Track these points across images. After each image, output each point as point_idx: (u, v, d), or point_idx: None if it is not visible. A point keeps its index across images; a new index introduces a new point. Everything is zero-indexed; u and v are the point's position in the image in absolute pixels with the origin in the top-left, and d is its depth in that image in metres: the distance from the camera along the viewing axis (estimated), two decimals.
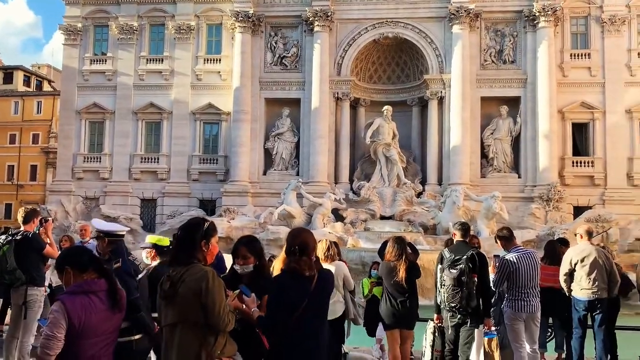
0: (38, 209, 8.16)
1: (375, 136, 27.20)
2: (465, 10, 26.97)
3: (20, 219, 7.30)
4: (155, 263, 6.18)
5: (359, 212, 25.73)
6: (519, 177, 27.38)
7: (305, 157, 28.26)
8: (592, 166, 27.55)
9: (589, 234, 8.23)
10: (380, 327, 8.66)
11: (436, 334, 6.95)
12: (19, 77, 50.86)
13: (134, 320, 5.03)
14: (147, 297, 5.52)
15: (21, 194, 44.53)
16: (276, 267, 4.91)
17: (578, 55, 28.21)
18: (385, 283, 7.25)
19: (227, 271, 4.95)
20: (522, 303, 6.90)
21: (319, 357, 4.34)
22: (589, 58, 28.04)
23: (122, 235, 5.87)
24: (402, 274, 7.01)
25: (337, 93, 28.46)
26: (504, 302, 7.15)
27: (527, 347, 6.94)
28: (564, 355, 8.81)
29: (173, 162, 29.96)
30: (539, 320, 7.22)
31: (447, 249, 7.12)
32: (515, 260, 6.89)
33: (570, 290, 8.00)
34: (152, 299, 5.00)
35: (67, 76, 31.61)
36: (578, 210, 26.54)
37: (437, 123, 27.93)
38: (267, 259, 5.37)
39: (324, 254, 7.04)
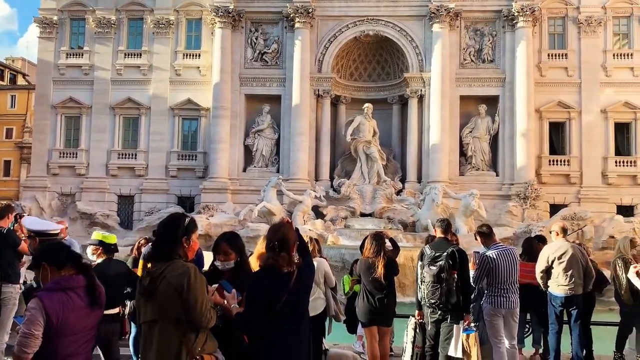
0: (12, 204, 7.96)
1: (355, 134, 27.27)
2: (445, 9, 27.17)
3: None
4: (100, 260, 6.12)
5: (339, 210, 25.78)
6: (497, 175, 27.72)
7: (285, 154, 28.19)
8: (568, 165, 28.03)
9: (564, 231, 8.36)
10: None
11: (417, 330, 6.98)
12: None
13: None
14: None
15: None
16: (252, 264, 4.89)
17: (555, 55, 28.65)
18: (364, 280, 7.26)
19: (208, 267, 4.91)
20: (502, 299, 6.97)
21: (300, 353, 4.32)
22: (566, 58, 28.50)
23: (55, 235, 5.75)
24: (380, 270, 7.02)
25: (318, 90, 28.44)
26: (484, 298, 7.22)
27: (506, 343, 7.01)
28: (541, 351, 8.93)
29: (151, 158, 29.61)
30: (518, 316, 7.31)
31: (428, 245, 7.15)
32: (495, 257, 6.95)
33: (546, 287, 8.12)
34: None
35: (42, 70, 30.99)
36: (554, 208, 27.00)
37: (417, 121, 28.12)
38: (248, 255, 5.32)
39: None
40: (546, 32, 28.74)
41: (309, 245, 7.25)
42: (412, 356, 7.11)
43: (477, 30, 28.40)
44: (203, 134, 29.48)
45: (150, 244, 7.43)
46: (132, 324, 7.67)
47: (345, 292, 9.44)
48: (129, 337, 8.34)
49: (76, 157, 29.97)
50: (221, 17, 28.14)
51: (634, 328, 8.01)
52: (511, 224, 24.93)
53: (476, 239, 7.48)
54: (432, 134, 27.34)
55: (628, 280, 7.92)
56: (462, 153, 28.16)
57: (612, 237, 24.04)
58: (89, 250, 6.40)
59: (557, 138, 28.74)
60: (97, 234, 6.36)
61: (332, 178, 28.23)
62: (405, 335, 7.29)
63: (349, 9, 28.50)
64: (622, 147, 28.52)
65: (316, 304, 7.29)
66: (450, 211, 24.28)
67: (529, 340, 9.21)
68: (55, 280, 3.55)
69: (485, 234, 7.26)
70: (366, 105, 27.50)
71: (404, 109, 29.23)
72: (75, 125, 30.28)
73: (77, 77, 30.17)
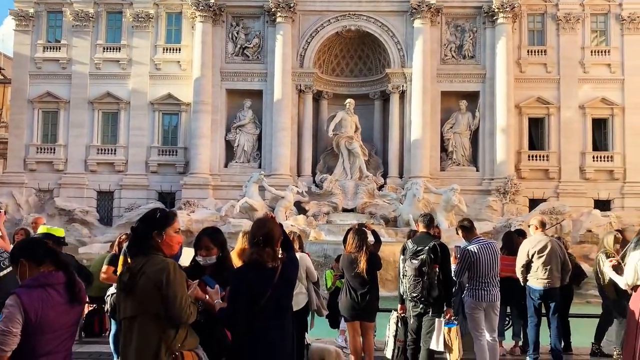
0: None
1: (337, 129, 27.29)
2: (426, 5, 27.28)
3: None
4: None
5: (322, 205, 25.80)
6: (477, 170, 27.99)
7: (267, 150, 28.09)
8: (547, 160, 28.42)
9: (543, 225, 8.47)
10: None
11: (399, 324, 7.02)
12: None
13: None
14: None
15: None
16: (234, 261, 4.86)
17: (535, 51, 28.97)
18: (347, 275, 7.25)
19: (190, 263, 4.87)
20: (483, 292, 7.04)
21: (284, 348, 4.31)
22: (545, 54, 28.84)
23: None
24: (363, 265, 7.02)
25: (300, 85, 28.36)
26: (465, 291, 7.28)
27: (487, 336, 7.08)
28: (521, 343, 9.06)
29: (131, 154, 29.25)
30: (499, 309, 7.39)
31: (410, 240, 7.19)
32: (476, 251, 7.02)
33: (525, 280, 8.23)
34: None
35: (18, 64, 30.34)
36: (533, 203, 27.37)
37: (398, 117, 28.22)
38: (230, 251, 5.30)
39: None
40: (526, 28, 29.05)
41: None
42: (394, 350, 7.15)
43: (457, 26, 28.57)
44: (184, 129, 29.22)
45: None
46: (112, 321, 7.60)
47: (328, 287, 9.47)
48: (109, 334, 8.27)
49: (54, 152, 29.48)
50: (202, 11, 27.87)
51: (615, 320, 8.16)
52: (491, 219, 25.21)
53: (457, 233, 7.54)
54: (413, 129, 27.47)
55: None
56: (443, 148, 28.36)
57: (590, 231, 24.51)
58: None
59: (536, 133, 29.12)
60: (43, 227, 6.26)
61: (314, 173, 28.21)
62: (387, 329, 7.32)
63: (330, 3, 28.43)
64: (599, 142, 28.99)
65: (298, 298, 7.27)
66: (431, 206, 24.45)
67: (509, 333, 9.34)
68: (34, 276, 3.49)
69: (467, 229, 7.32)
70: (348, 100, 27.52)
71: (385, 104, 29.31)
72: (52, 120, 29.77)
73: (55, 71, 29.64)
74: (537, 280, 8.10)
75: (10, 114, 31.64)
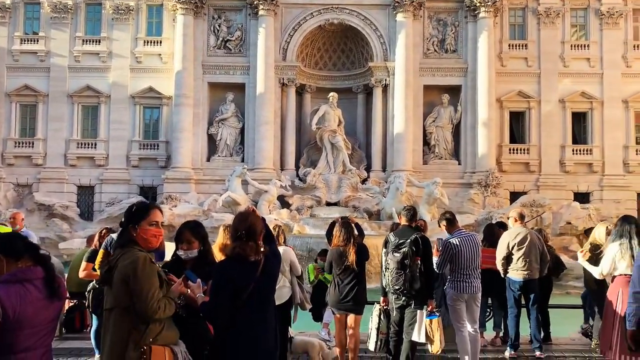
0: None
1: (321, 123, 27.26)
2: None
3: None
4: None
5: (305, 199, 25.80)
6: (459, 163, 28.21)
7: (250, 144, 27.97)
8: (528, 153, 28.75)
9: (522, 217, 8.59)
10: (327, 311, 8.73)
11: (382, 317, 7.06)
12: None
13: None
14: None
15: None
16: (215, 255, 4.83)
17: (516, 45, 29.21)
18: (336, 269, 7.26)
19: (171, 257, 4.85)
20: (464, 284, 7.10)
21: (267, 341, 4.32)
22: (526, 49, 29.10)
23: None
24: (352, 257, 7.05)
25: (283, 79, 28.25)
26: (447, 283, 7.35)
27: (469, 327, 7.16)
28: (501, 334, 9.18)
29: (112, 148, 28.90)
30: (480, 301, 7.48)
31: (392, 233, 7.23)
32: (457, 243, 7.08)
33: (506, 272, 8.33)
34: None
35: None
36: (514, 196, 27.69)
37: (381, 110, 28.28)
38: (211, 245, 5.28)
39: None
40: (507, 22, 29.26)
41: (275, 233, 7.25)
42: (376, 342, 7.19)
43: (440, 20, 28.67)
44: (165, 123, 28.94)
45: (112, 234, 7.31)
46: (94, 317, 7.53)
47: (311, 280, 9.48)
48: (90, 330, 8.20)
49: (33, 146, 28.99)
50: (183, 4, 27.56)
51: (596, 313, 8.32)
52: (473, 211, 25.46)
53: (439, 226, 7.60)
54: (396, 123, 27.57)
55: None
56: (426, 142, 28.52)
57: (569, 223, 24.88)
58: None
59: (517, 127, 29.41)
60: None
61: (297, 167, 28.17)
62: (370, 322, 7.36)
63: None
64: (578, 136, 29.40)
65: (282, 292, 7.29)
66: (414, 199, 24.59)
67: (490, 324, 9.46)
68: (12, 272, 3.43)
69: (449, 221, 7.38)
70: (331, 94, 27.49)
71: (369, 98, 29.34)
72: (31, 114, 29.25)
73: (33, 64, 29.10)
74: (516, 271, 8.21)
75: None
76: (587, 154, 28.86)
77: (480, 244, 7.62)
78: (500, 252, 8.29)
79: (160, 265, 4.19)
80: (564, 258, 12.05)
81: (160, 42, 29.10)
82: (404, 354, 6.73)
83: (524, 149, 28.82)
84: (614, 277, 6.02)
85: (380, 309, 7.23)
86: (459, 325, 7.12)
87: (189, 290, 4.16)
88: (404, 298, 6.74)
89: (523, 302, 8.53)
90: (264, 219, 4.51)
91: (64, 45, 29.00)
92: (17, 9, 29.38)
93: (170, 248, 4.95)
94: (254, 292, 4.16)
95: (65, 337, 9.20)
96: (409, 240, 6.68)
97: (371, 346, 7.24)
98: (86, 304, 7.73)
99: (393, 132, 27.69)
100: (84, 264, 7.66)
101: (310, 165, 27.82)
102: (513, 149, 28.82)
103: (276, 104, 28.06)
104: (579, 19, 29.62)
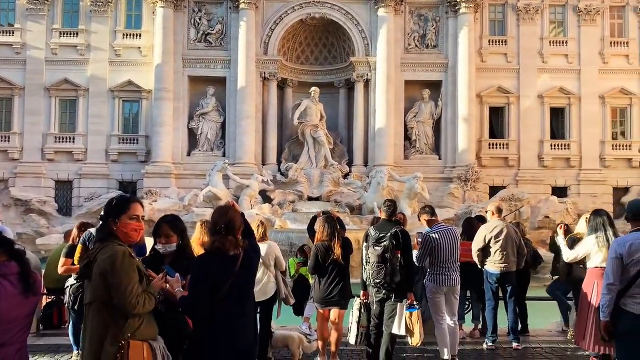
0: None
1: (302, 117, 27.22)
2: None
3: None
4: None
5: (287, 193, 25.76)
6: (440, 158, 28.43)
7: (231, 138, 27.81)
8: (507, 148, 29.09)
9: (499, 211, 8.70)
10: (308, 305, 8.75)
11: (362, 310, 7.09)
12: None
13: None
14: None
15: None
16: (194, 249, 4.80)
17: (496, 41, 29.47)
18: (322, 264, 7.25)
19: (149, 251, 4.81)
20: (443, 277, 7.17)
21: (246, 336, 4.31)
22: (505, 44, 29.38)
23: None
24: (338, 251, 7.07)
25: (264, 73, 28.12)
26: (426, 276, 7.41)
27: (448, 319, 7.24)
28: (480, 326, 9.30)
29: (90, 142, 28.49)
30: (459, 293, 7.56)
31: (372, 227, 7.25)
32: (437, 237, 7.14)
33: (483, 264, 8.44)
34: None
35: None
36: (493, 190, 28.02)
37: (363, 105, 28.34)
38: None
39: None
40: (487, 18, 29.49)
41: (260, 229, 7.23)
42: (357, 335, 7.22)
43: (421, 15, 28.79)
44: (145, 117, 28.61)
45: (90, 229, 7.22)
46: (72, 313, 7.45)
47: (291, 274, 9.50)
48: (68, 326, 8.11)
49: (8, 140, 28.45)
50: None
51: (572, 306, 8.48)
52: (453, 205, 25.71)
53: (419, 220, 7.65)
54: (377, 118, 27.65)
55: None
56: (407, 137, 28.69)
57: (547, 217, 25.28)
58: None
59: (497, 122, 29.74)
60: None
61: (279, 162, 28.11)
62: (350, 316, 7.39)
63: None
64: (557, 131, 29.82)
65: (267, 288, 7.28)
66: (395, 194, 24.71)
67: (469, 317, 9.57)
68: None
69: (429, 215, 7.43)
70: (313, 88, 27.46)
71: (350, 92, 29.38)
72: (6, 107, 28.68)
73: (8, 56, 28.49)
74: (493, 264, 8.32)
75: None
76: (564, 148, 29.30)
77: (459, 237, 7.69)
78: (477, 243, 8.39)
79: (140, 260, 4.16)
80: (542, 251, 12.22)
81: (140, 35, 28.73)
82: (384, 347, 6.78)
83: (503, 144, 29.15)
84: (588, 268, 6.15)
85: (360, 302, 7.26)
86: (438, 318, 7.19)
87: (167, 285, 4.13)
88: (384, 291, 6.77)
89: (501, 294, 8.65)
90: (242, 214, 4.49)
91: (41, 37, 28.47)
92: None
93: (149, 243, 4.91)
94: (233, 286, 4.15)
95: (42, 334, 9.09)
96: (389, 234, 6.71)
97: (352, 339, 7.27)
98: (64, 300, 7.63)
99: (374, 127, 27.78)
100: (62, 259, 7.55)
101: (292, 159, 27.79)
102: (492, 144, 29.13)
103: (257, 98, 27.93)
104: (558, 16, 29.98)
